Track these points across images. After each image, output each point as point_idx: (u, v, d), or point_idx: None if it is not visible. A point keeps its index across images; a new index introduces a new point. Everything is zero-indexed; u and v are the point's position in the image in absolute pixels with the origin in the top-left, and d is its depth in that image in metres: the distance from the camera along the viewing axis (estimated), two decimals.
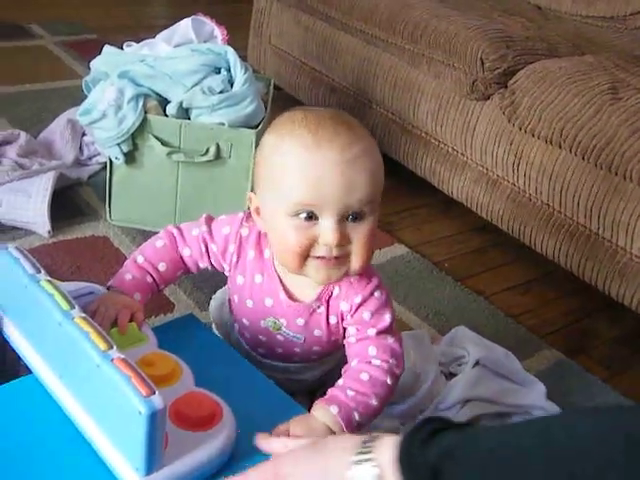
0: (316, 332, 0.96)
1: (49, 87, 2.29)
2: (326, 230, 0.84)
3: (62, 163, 1.74)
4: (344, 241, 0.85)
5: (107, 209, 1.64)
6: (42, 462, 0.77)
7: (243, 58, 1.61)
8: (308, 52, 2.16)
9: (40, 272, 0.81)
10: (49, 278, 0.80)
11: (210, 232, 0.96)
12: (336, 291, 0.93)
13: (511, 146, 1.61)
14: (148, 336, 0.89)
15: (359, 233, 0.86)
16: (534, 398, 1.25)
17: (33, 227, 1.55)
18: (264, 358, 1.02)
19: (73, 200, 1.71)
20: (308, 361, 1.01)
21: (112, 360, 0.71)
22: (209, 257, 0.97)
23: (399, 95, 1.87)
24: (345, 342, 0.95)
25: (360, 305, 0.92)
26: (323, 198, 0.83)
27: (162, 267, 0.97)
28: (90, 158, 1.84)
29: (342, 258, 0.86)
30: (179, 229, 0.98)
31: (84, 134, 1.85)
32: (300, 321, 0.95)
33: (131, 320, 0.89)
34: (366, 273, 0.92)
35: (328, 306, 0.94)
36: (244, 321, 1.00)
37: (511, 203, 1.65)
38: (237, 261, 0.95)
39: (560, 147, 1.51)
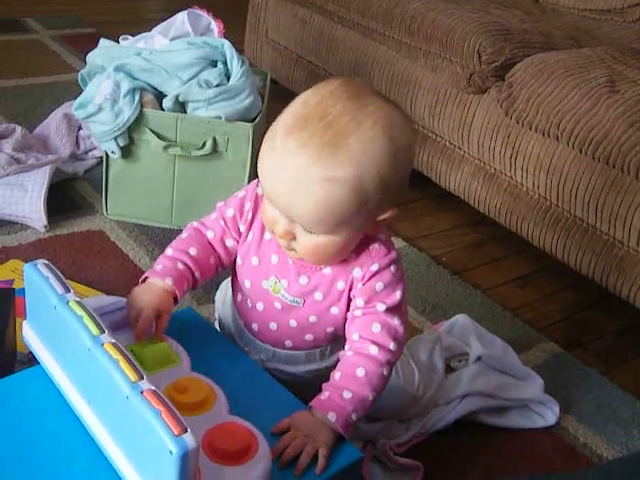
0: (317, 295, 0.93)
1: (45, 81, 2.29)
2: (275, 220, 0.86)
3: (58, 157, 1.73)
4: (288, 237, 0.86)
5: (103, 203, 1.63)
6: (46, 454, 0.78)
7: (240, 52, 1.60)
8: (305, 46, 2.16)
9: (69, 291, 0.80)
10: (78, 298, 0.79)
11: (225, 204, 0.98)
12: (351, 257, 0.91)
13: (508, 139, 1.61)
14: (181, 358, 0.87)
15: (304, 242, 0.86)
16: (532, 392, 1.25)
17: (29, 222, 1.55)
18: (256, 338, 1.00)
19: (69, 195, 1.70)
20: (298, 347, 0.99)
21: (142, 392, 0.68)
22: (228, 227, 0.97)
23: (396, 89, 1.86)
24: (349, 316, 0.93)
25: (375, 274, 0.90)
26: (273, 199, 0.84)
27: (193, 251, 0.96)
28: (86, 152, 1.83)
29: (291, 246, 0.88)
30: (199, 221, 1.00)
31: (80, 128, 1.84)
32: (303, 279, 0.93)
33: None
34: (386, 244, 0.92)
35: (337, 269, 0.92)
36: (246, 284, 0.98)
37: (508, 197, 1.65)
38: (252, 218, 0.95)
39: (557, 140, 1.50)
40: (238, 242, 0.98)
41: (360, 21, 1.93)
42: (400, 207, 1.91)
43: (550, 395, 1.26)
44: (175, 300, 0.93)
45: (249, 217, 0.96)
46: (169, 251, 0.97)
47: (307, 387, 0.93)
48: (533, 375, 1.28)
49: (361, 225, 0.86)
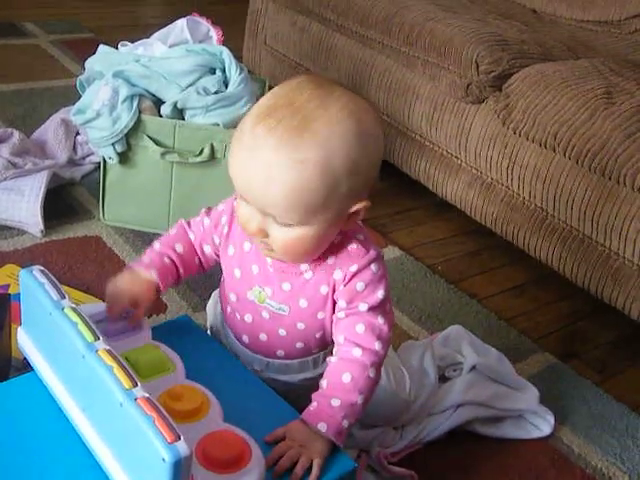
0: (302, 302, 0.93)
1: (43, 86, 2.28)
2: (248, 218, 0.86)
3: (55, 162, 1.73)
4: (261, 235, 0.86)
5: (100, 209, 1.63)
6: (40, 460, 0.78)
7: (238, 59, 1.60)
8: (303, 53, 2.16)
9: (64, 298, 0.80)
10: (73, 305, 0.79)
11: (208, 212, 1.00)
12: (330, 260, 0.91)
13: (505, 149, 1.61)
14: (176, 365, 0.87)
15: (278, 237, 0.85)
16: (527, 402, 1.25)
17: (26, 227, 1.55)
18: (247, 349, 1.01)
19: (66, 200, 1.70)
20: (290, 355, 0.99)
21: (136, 399, 0.68)
22: (206, 235, 0.99)
23: (394, 97, 1.87)
24: (334, 318, 0.93)
25: (355, 275, 0.90)
26: (245, 192, 0.84)
27: (179, 248, 0.99)
28: (84, 158, 1.83)
29: (267, 245, 0.88)
30: (187, 220, 1.02)
31: (78, 134, 1.84)
32: (286, 286, 0.93)
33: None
34: (365, 244, 0.91)
35: (318, 273, 0.92)
36: (232, 297, 0.99)
37: (505, 206, 1.65)
38: (228, 232, 0.97)
39: (554, 151, 1.51)
40: (214, 251, 1.00)
41: (359, 30, 1.93)
42: (397, 216, 1.94)
43: (545, 405, 1.26)
44: (158, 291, 0.96)
45: (225, 231, 0.97)
46: (156, 245, 1.00)
47: (302, 395, 0.92)
48: (528, 385, 1.28)
49: (334, 216, 0.85)
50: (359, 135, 0.81)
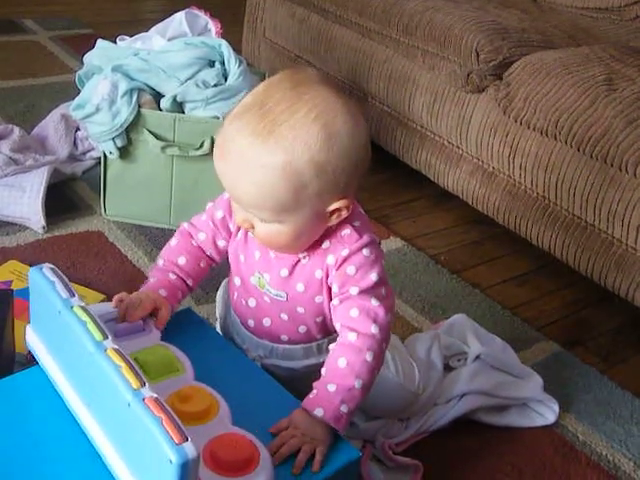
0: (298, 287, 0.94)
1: (43, 82, 2.29)
2: (235, 208, 0.90)
3: (56, 158, 1.73)
4: (246, 225, 0.89)
5: (102, 204, 1.63)
6: (45, 455, 0.78)
7: (237, 51, 1.60)
8: (303, 45, 2.15)
9: (74, 296, 0.80)
10: (82, 304, 0.79)
11: (214, 205, 1.01)
12: (325, 244, 0.92)
13: (506, 138, 1.61)
14: (185, 367, 0.87)
15: (259, 230, 0.88)
16: (531, 390, 1.25)
17: (27, 222, 1.55)
18: (253, 334, 1.01)
19: (67, 195, 1.70)
20: (294, 340, 0.99)
21: (144, 399, 0.68)
22: (218, 229, 1.00)
23: (394, 88, 1.86)
24: (331, 306, 0.94)
25: (346, 259, 0.90)
26: (223, 185, 0.87)
27: (182, 261, 1.00)
28: (84, 153, 1.83)
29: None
30: (190, 222, 1.03)
31: (78, 129, 1.84)
32: (284, 272, 0.94)
33: (152, 314, 0.93)
34: (359, 230, 0.92)
35: (313, 258, 0.93)
36: (237, 281, 1.00)
37: (507, 195, 1.65)
38: None
39: (556, 139, 1.50)
40: (228, 240, 1.01)
41: (358, 20, 1.93)
42: (399, 206, 1.93)
43: (549, 393, 1.26)
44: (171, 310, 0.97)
45: None
46: (160, 262, 1.01)
47: (306, 383, 0.92)
48: (532, 374, 1.28)
49: (310, 214, 0.86)
50: (325, 139, 0.82)
